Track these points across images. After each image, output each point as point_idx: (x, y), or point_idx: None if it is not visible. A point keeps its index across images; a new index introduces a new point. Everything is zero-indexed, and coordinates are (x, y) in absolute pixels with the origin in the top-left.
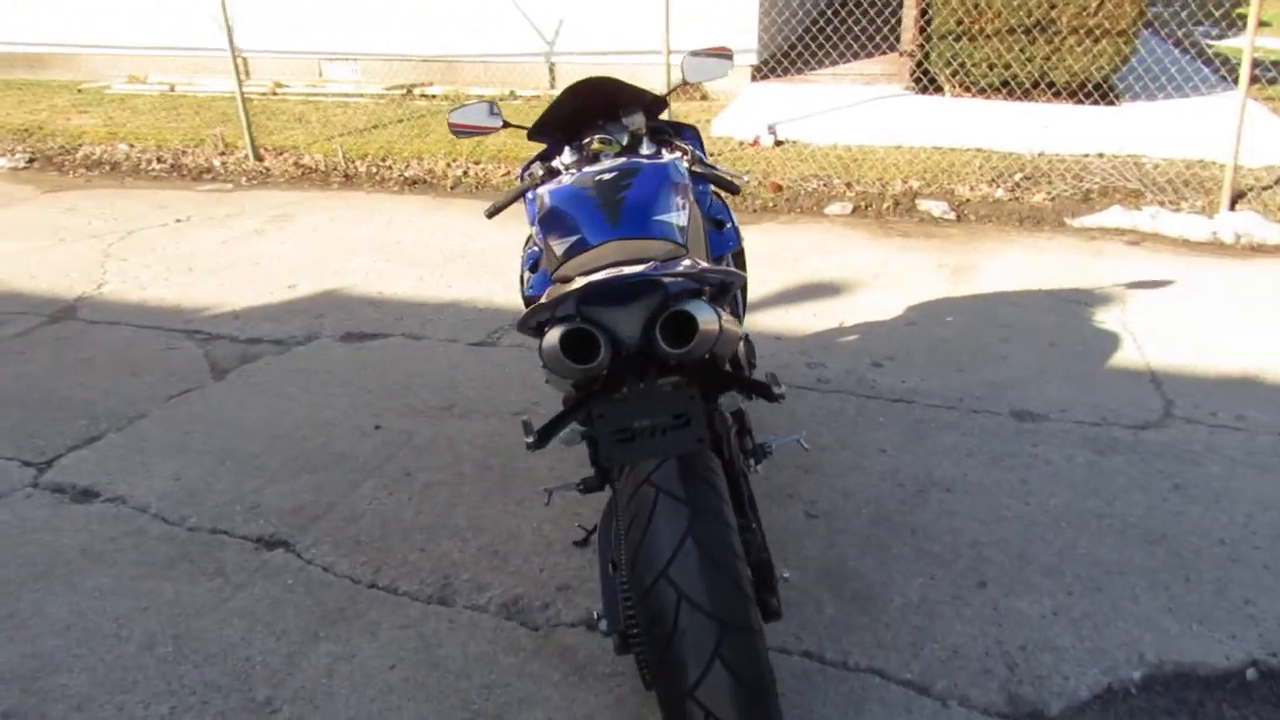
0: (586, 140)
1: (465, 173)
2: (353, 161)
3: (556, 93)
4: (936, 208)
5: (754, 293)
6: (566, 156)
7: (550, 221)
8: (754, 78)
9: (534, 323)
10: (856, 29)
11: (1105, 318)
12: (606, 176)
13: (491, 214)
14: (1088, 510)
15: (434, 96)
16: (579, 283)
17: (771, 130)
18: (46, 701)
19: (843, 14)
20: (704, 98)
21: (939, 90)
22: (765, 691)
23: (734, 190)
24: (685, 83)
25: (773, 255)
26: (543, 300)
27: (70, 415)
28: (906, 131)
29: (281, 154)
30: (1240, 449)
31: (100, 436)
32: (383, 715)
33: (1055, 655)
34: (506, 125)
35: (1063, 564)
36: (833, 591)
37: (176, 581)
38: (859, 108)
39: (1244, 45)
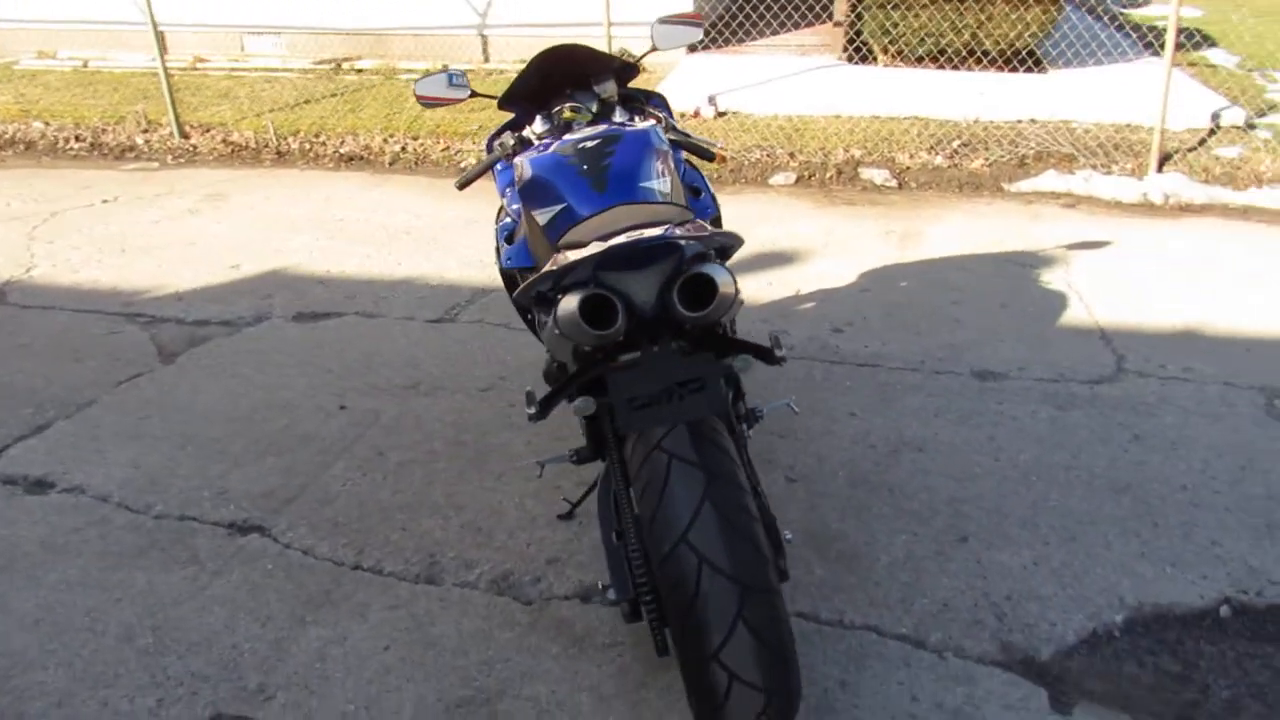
0: (557, 109)
1: (403, 148)
2: (285, 138)
3: (490, 66)
4: (879, 176)
5: None
6: (538, 126)
7: (532, 190)
8: (691, 49)
9: (545, 289)
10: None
11: (1051, 279)
12: (590, 144)
13: (462, 186)
14: (1055, 464)
15: (364, 71)
16: (595, 248)
17: (712, 101)
18: (23, 700)
19: None
20: (641, 70)
21: (873, 60)
22: (787, 651)
23: (709, 157)
24: (654, 49)
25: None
26: (551, 267)
27: (13, 404)
28: (845, 101)
29: (209, 131)
30: (1191, 399)
31: (49, 425)
32: (382, 697)
33: (1040, 604)
34: (474, 95)
35: (1037, 516)
36: (819, 553)
37: (149, 571)
38: (796, 78)
39: (1155, 14)
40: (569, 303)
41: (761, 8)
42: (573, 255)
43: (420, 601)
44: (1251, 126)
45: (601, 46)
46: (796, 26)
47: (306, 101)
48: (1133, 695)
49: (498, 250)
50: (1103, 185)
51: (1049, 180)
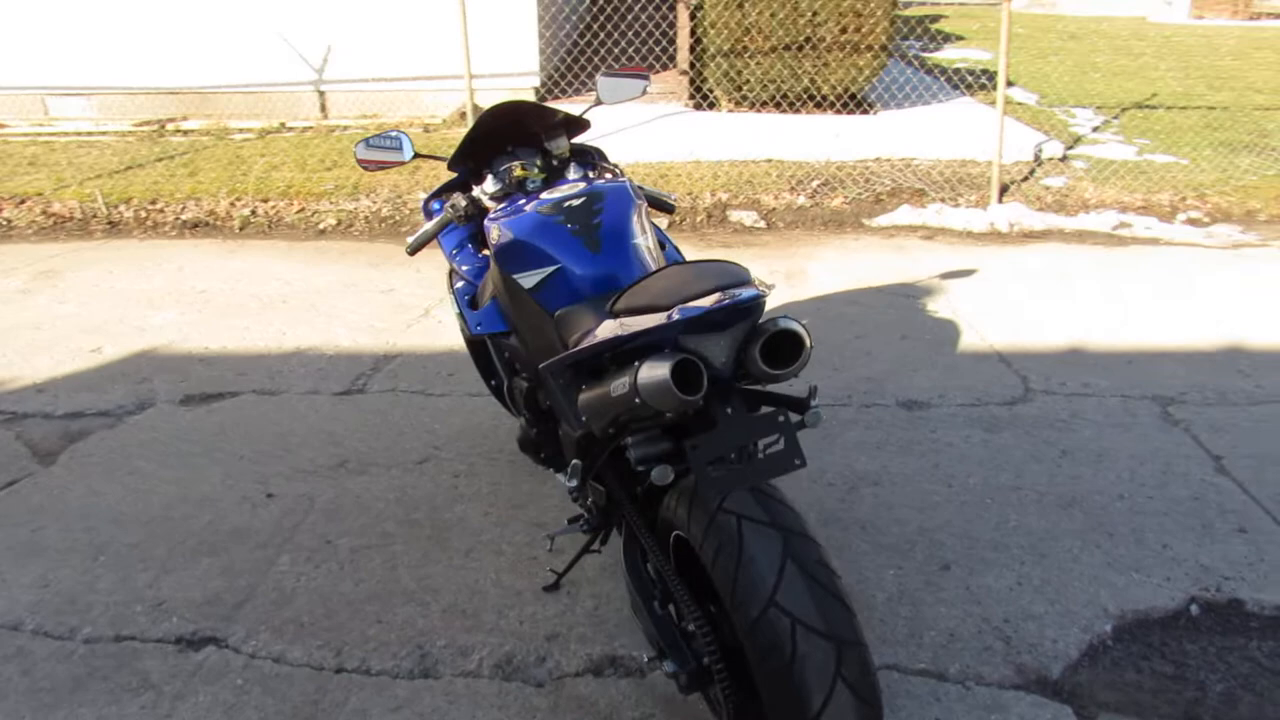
0: (505, 168)
1: (253, 212)
2: (116, 207)
3: (331, 122)
4: (748, 217)
5: None
6: (489, 186)
7: (512, 253)
8: (538, 99)
9: (607, 356)
10: (630, 50)
11: (937, 307)
12: (575, 203)
13: (414, 251)
14: (1003, 485)
15: (192, 131)
16: (676, 313)
17: None
18: None
19: (615, 35)
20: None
21: (718, 106)
22: (880, 704)
23: (669, 210)
24: (599, 103)
25: None
26: (615, 332)
27: None
28: (701, 146)
29: (24, 203)
30: (1098, 413)
31: None
32: None
33: (1037, 623)
34: (418, 156)
35: (1005, 538)
36: None
37: (95, 705)
38: (648, 126)
39: (951, 57)
40: (657, 369)
41: (597, 59)
42: (647, 320)
43: (424, 699)
44: (1065, 158)
45: (455, 99)
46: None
47: (132, 167)
48: (1141, 701)
49: (460, 317)
50: (954, 217)
51: (905, 214)
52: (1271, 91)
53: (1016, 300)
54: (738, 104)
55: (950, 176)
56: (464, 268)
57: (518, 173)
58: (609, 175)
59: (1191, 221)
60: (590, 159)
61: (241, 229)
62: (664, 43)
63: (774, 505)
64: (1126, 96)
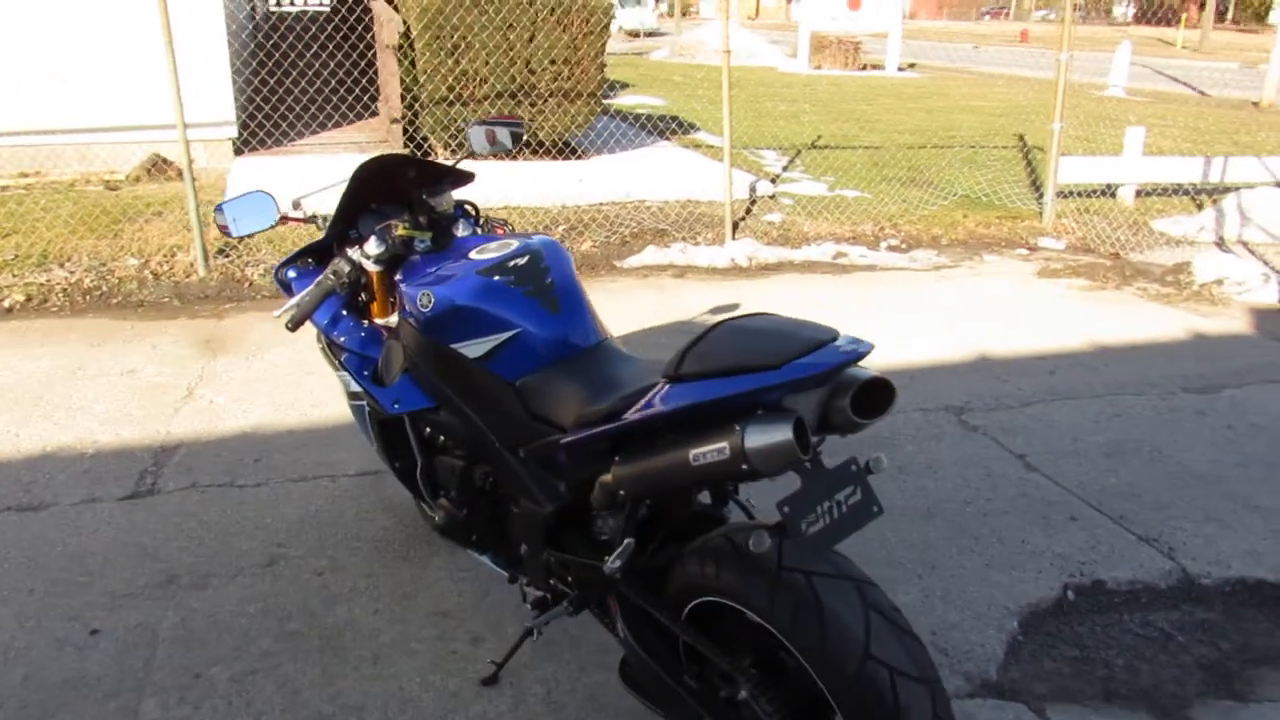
0: (382, 227)
1: None
2: None
3: None
4: None
5: None
6: (372, 248)
7: (452, 321)
8: (238, 151)
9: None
10: (335, 98)
11: None
12: (519, 261)
13: (296, 325)
14: None
15: None
16: (790, 370)
17: (298, 206)
18: None
19: (319, 84)
20: (180, 176)
21: (433, 153)
22: None
23: None
24: (472, 154)
25: None
26: (701, 397)
27: None
28: None
29: None
30: (910, 427)
31: None
32: None
33: (960, 631)
34: (284, 220)
35: (893, 554)
36: None
37: None
38: None
39: (630, 103)
40: (776, 431)
41: (298, 108)
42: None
43: None
44: (774, 196)
45: (176, 152)
46: (345, 122)
47: None
48: (1068, 687)
49: (356, 395)
50: (698, 255)
51: (652, 255)
52: (911, 132)
53: None
54: (454, 152)
55: (686, 216)
56: (341, 339)
57: (400, 232)
58: (500, 229)
59: (893, 248)
60: (469, 213)
61: None
62: (364, 89)
63: (832, 556)
64: (798, 139)
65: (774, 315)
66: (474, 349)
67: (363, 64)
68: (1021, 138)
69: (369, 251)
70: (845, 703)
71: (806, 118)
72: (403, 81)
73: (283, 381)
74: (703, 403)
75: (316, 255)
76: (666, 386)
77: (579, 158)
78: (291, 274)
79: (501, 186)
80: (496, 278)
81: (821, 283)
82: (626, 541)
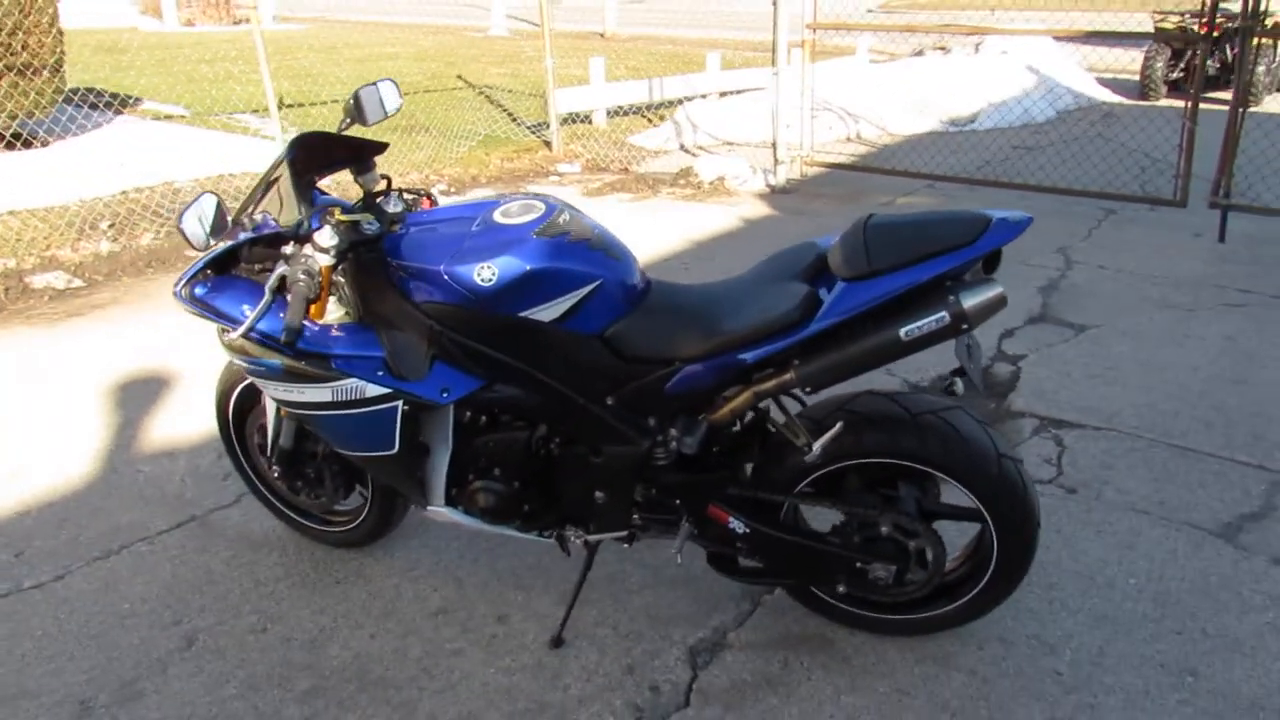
0: (323, 209)
1: None
2: None
3: None
4: (58, 280)
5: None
6: (326, 239)
7: (528, 286)
8: None
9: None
10: None
11: None
12: (565, 218)
13: (292, 340)
14: None
15: None
16: (978, 245)
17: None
18: None
19: None
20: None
21: None
22: None
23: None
24: (353, 121)
25: None
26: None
27: None
28: None
29: None
30: None
31: None
32: None
33: None
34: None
35: None
36: None
37: None
38: None
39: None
40: (989, 289)
41: None
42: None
43: None
44: None
45: None
46: None
47: None
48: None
49: (369, 400)
50: None
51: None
52: (362, 81)
53: None
54: None
55: (234, 192)
56: (332, 347)
57: (342, 218)
58: (427, 202)
59: (445, 193)
60: (401, 188)
61: None
62: None
63: (930, 396)
64: (257, 101)
65: (912, 212)
66: (548, 312)
67: None
68: (461, 77)
69: (323, 244)
70: (994, 504)
71: (247, 77)
72: None
73: None
74: (915, 285)
75: (216, 266)
76: (843, 286)
77: (41, 145)
78: (199, 289)
79: None
80: (558, 236)
81: None
82: (838, 425)
